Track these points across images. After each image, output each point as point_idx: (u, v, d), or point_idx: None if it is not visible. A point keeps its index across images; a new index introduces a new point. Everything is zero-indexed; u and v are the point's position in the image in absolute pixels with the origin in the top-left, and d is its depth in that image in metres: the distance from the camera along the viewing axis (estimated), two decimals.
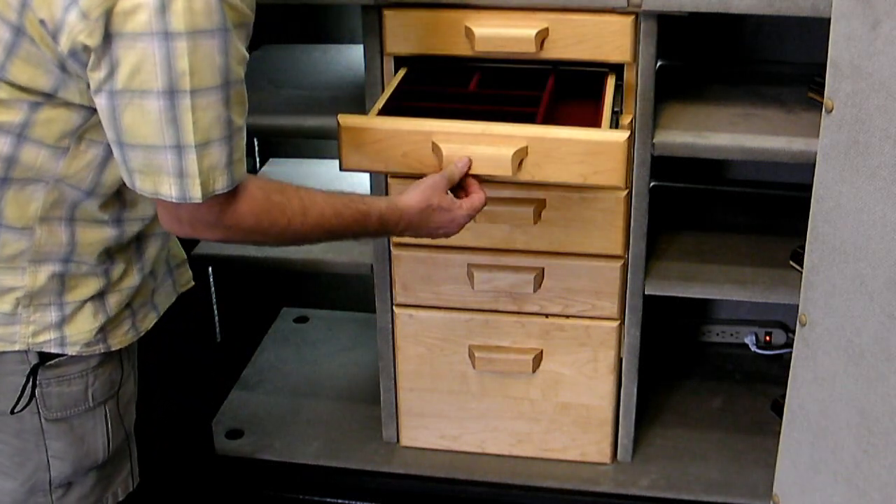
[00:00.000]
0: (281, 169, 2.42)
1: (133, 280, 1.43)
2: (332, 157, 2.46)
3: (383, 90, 1.85)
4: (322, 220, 1.37)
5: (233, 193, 1.27)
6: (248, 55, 1.24)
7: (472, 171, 1.54)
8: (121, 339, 1.43)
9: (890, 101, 1.28)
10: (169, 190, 1.21)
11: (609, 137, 1.51)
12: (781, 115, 1.89)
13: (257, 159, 2.47)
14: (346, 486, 2.13)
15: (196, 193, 1.22)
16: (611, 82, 1.76)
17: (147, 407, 1.67)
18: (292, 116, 1.96)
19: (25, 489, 1.43)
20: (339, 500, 2.13)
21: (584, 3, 1.73)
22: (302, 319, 2.63)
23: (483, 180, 1.56)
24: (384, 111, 1.66)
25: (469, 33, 1.77)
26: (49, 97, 1.24)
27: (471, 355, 2.03)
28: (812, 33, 1.93)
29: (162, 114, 1.17)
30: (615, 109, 1.75)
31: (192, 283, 1.59)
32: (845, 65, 1.33)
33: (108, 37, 1.15)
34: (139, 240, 1.42)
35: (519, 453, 2.12)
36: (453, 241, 1.93)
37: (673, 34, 1.95)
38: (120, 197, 1.35)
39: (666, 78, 1.98)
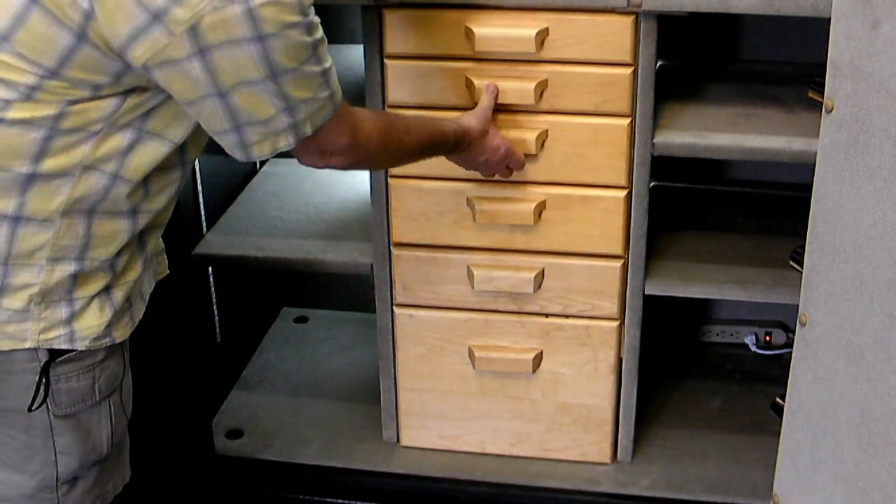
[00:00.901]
0: (281, 169, 2.42)
1: (135, 273, 1.44)
2: None
3: (384, 92, 1.85)
4: (419, 137, 1.60)
5: (354, 117, 1.44)
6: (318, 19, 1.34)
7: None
8: (123, 331, 1.44)
9: (890, 101, 1.28)
10: (287, 140, 1.35)
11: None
12: (781, 115, 1.89)
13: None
14: (346, 486, 2.13)
15: (308, 130, 1.36)
16: None
17: (147, 407, 1.67)
18: None
19: (33, 484, 1.44)
20: (339, 500, 2.13)
21: (584, 3, 1.73)
22: (302, 319, 2.62)
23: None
24: None
25: (469, 33, 1.77)
26: (96, 89, 1.27)
27: (471, 355, 2.03)
28: (812, 33, 1.93)
29: (271, 93, 1.29)
30: None
31: (168, 271, 1.61)
32: (845, 65, 1.33)
33: (200, 49, 1.22)
34: (142, 234, 1.44)
35: (519, 453, 2.12)
36: (454, 240, 1.94)
37: (673, 34, 1.95)
38: (145, 186, 1.38)
39: (666, 78, 1.98)
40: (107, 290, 1.40)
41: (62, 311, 1.37)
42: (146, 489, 1.63)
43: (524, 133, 1.82)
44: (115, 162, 1.33)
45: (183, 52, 1.23)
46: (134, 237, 1.42)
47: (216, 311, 2.39)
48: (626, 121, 1.81)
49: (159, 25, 1.20)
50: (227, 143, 1.35)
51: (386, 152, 1.53)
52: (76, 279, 1.37)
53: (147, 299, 1.53)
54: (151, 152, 1.36)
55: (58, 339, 1.37)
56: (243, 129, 1.33)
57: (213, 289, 2.37)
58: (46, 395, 1.38)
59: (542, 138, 1.83)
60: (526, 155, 1.83)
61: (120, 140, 1.32)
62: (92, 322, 1.39)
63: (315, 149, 1.42)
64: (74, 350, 1.39)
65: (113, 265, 1.40)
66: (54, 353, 1.38)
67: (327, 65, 1.37)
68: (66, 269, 1.35)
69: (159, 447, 1.96)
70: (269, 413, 2.27)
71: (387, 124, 1.53)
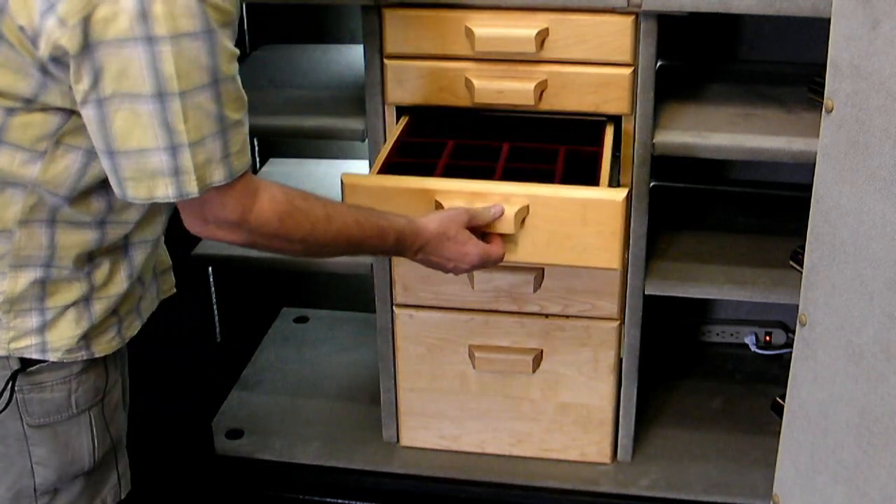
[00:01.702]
0: (281, 169, 2.42)
1: (119, 287, 1.41)
2: (332, 158, 2.47)
3: (383, 92, 1.85)
4: (345, 228, 1.39)
5: (255, 194, 1.28)
6: (237, 51, 1.23)
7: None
8: (105, 346, 1.41)
9: (890, 101, 1.28)
10: (165, 190, 1.21)
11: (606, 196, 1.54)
12: (781, 115, 1.89)
13: (257, 159, 2.47)
14: (346, 486, 2.13)
15: (192, 188, 1.21)
16: (609, 132, 1.78)
17: (148, 407, 1.67)
18: (292, 116, 1.96)
19: (10, 495, 1.42)
20: (339, 500, 2.13)
21: (584, 3, 1.73)
22: (302, 319, 2.63)
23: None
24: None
25: (469, 33, 1.77)
26: (28, 102, 1.22)
27: (471, 355, 2.03)
28: (812, 33, 1.93)
29: (153, 117, 1.17)
30: (615, 153, 1.78)
31: (175, 290, 1.58)
32: (845, 65, 1.33)
33: (88, 44, 1.14)
34: (127, 247, 1.40)
35: (519, 453, 2.12)
36: None
37: (673, 34, 1.95)
38: (106, 199, 1.33)
39: (666, 78, 1.98)
40: (85, 301, 1.37)
41: (33, 321, 1.34)
42: (146, 489, 1.63)
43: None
44: (63, 180, 1.27)
45: (74, 47, 1.13)
46: (112, 250, 1.38)
47: (216, 311, 2.39)
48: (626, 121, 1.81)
49: (53, 15, 1.12)
50: (105, 167, 1.22)
51: (289, 241, 1.34)
52: (45, 287, 1.34)
53: (145, 317, 1.50)
54: (97, 169, 1.28)
55: (29, 348, 1.35)
56: (116, 157, 1.20)
57: (213, 289, 2.37)
58: (10, 402, 1.36)
59: None
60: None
61: (68, 161, 1.27)
62: (65, 333, 1.36)
63: (197, 213, 1.28)
64: (47, 361, 1.36)
65: (90, 277, 1.37)
66: (26, 363, 1.36)
67: (235, 116, 1.23)
68: (31, 276, 1.32)
69: (159, 447, 1.95)
70: (269, 413, 2.27)
71: (293, 209, 1.32)
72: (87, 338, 1.38)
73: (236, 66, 1.23)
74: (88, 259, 1.36)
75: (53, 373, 1.38)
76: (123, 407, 1.52)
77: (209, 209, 1.26)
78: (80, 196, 1.30)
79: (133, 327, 1.47)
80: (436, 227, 1.50)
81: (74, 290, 1.36)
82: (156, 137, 1.18)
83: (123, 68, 1.14)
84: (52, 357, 1.36)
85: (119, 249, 1.39)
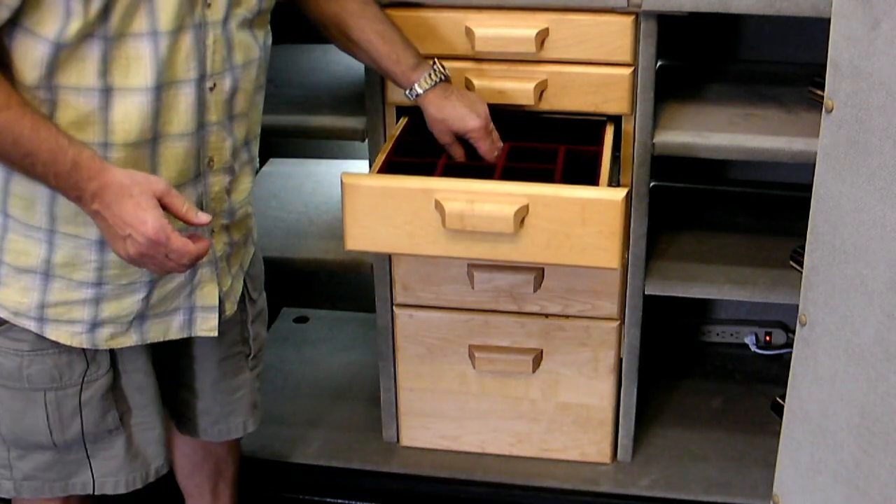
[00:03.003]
0: (281, 169, 2.42)
1: (86, 276, 1.40)
2: (332, 157, 2.47)
3: (383, 92, 1.85)
4: (14, 124, 1.22)
5: None
6: None
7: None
8: (64, 334, 1.43)
9: (890, 101, 1.28)
10: None
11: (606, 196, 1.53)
12: (781, 115, 1.89)
13: (257, 159, 2.47)
14: (346, 486, 2.13)
15: None
16: (609, 132, 1.78)
17: None
18: (292, 116, 1.96)
19: None
20: (339, 500, 2.13)
21: (584, 3, 1.73)
22: (302, 319, 2.62)
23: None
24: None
25: (469, 33, 1.77)
26: None
27: (471, 355, 2.03)
28: (812, 33, 1.93)
29: None
30: (615, 153, 1.78)
31: (214, 332, 1.53)
32: (845, 65, 1.33)
33: None
34: (102, 242, 1.37)
35: (519, 453, 2.12)
36: None
37: (673, 34, 1.95)
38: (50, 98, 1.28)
39: (666, 78, 1.98)
40: (42, 275, 1.39)
41: None
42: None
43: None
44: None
45: None
46: (84, 233, 1.37)
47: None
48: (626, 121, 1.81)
49: None
50: None
51: None
52: (3, 238, 1.37)
53: (148, 340, 1.49)
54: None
55: None
56: None
57: None
58: None
59: None
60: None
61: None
62: (11, 296, 1.39)
63: None
64: (6, 322, 1.41)
65: (49, 250, 1.37)
66: None
67: None
68: None
69: None
70: (269, 413, 2.26)
71: None
72: (41, 312, 1.40)
73: None
74: (47, 229, 1.36)
75: (6, 341, 1.43)
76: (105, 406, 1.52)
77: None
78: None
79: (117, 340, 1.46)
80: (122, 178, 1.28)
81: (31, 257, 1.38)
82: None
83: None
84: (1, 314, 1.40)
85: (87, 241, 1.38)
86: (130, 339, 1.48)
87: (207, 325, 1.53)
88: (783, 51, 2.18)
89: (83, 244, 1.39)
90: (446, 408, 2.10)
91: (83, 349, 1.45)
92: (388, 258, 1.99)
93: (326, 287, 2.64)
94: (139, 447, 1.57)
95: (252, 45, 1.43)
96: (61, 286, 1.40)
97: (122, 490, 1.57)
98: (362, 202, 1.56)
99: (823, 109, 1.39)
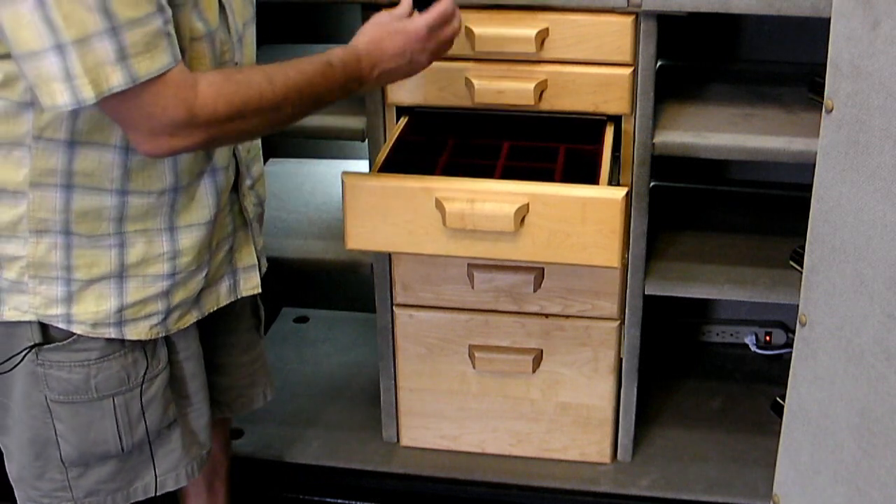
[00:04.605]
0: (281, 169, 2.42)
1: (160, 269, 1.40)
2: (332, 157, 2.47)
3: (383, 92, 1.85)
4: (289, 80, 1.31)
5: (194, 86, 1.22)
6: None
7: None
8: (143, 331, 1.42)
9: (890, 101, 1.28)
10: (62, 97, 1.16)
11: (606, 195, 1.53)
12: (781, 115, 1.89)
13: None
14: (346, 486, 2.13)
15: (88, 94, 1.15)
16: (609, 131, 1.78)
17: None
18: None
19: (40, 463, 1.45)
20: (339, 500, 2.13)
21: (584, 3, 1.73)
22: (302, 319, 2.63)
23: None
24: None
25: (469, 33, 1.77)
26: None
27: (471, 355, 2.03)
28: (812, 33, 1.93)
29: (34, 13, 1.12)
30: (615, 153, 1.78)
31: (258, 289, 1.57)
32: (845, 65, 1.33)
33: None
34: (172, 230, 1.39)
35: (519, 453, 2.12)
36: None
37: (673, 34, 1.95)
38: (124, 162, 1.31)
39: (666, 78, 1.98)
40: (117, 278, 1.37)
41: (58, 290, 1.35)
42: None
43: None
44: (58, 125, 1.26)
45: None
46: (150, 228, 1.37)
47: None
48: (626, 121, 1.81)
49: None
50: (46, 73, 1.15)
51: (244, 118, 1.27)
52: (69, 257, 1.34)
53: (206, 311, 1.50)
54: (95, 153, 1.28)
55: (56, 318, 1.36)
56: (19, 63, 1.16)
57: None
58: (15, 366, 1.38)
59: None
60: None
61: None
62: (88, 308, 1.37)
63: (140, 128, 1.22)
64: (73, 335, 1.38)
65: (121, 252, 1.36)
66: (47, 337, 1.38)
67: (129, 13, 1.15)
68: (52, 242, 1.33)
69: None
70: (269, 413, 2.27)
71: (234, 84, 1.26)
72: (119, 316, 1.38)
73: None
74: (115, 230, 1.35)
75: (72, 353, 1.39)
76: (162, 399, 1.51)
77: (149, 119, 1.21)
78: (80, 144, 1.28)
79: (185, 319, 1.47)
80: (367, 32, 1.43)
81: (103, 265, 1.36)
82: (40, 37, 1.13)
83: None
84: (77, 329, 1.37)
85: (156, 231, 1.38)
86: (193, 316, 1.49)
87: (251, 284, 1.56)
88: (783, 51, 2.18)
89: (153, 235, 1.38)
90: (446, 408, 2.10)
91: (143, 347, 1.44)
92: (388, 258, 1.99)
93: (326, 287, 2.64)
94: (194, 435, 1.58)
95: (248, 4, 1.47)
96: (137, 284, 1.39)
97: (182, 483, 1.56)
98: (363, 201, 1.56)
99: (823, 109, 1.39)
